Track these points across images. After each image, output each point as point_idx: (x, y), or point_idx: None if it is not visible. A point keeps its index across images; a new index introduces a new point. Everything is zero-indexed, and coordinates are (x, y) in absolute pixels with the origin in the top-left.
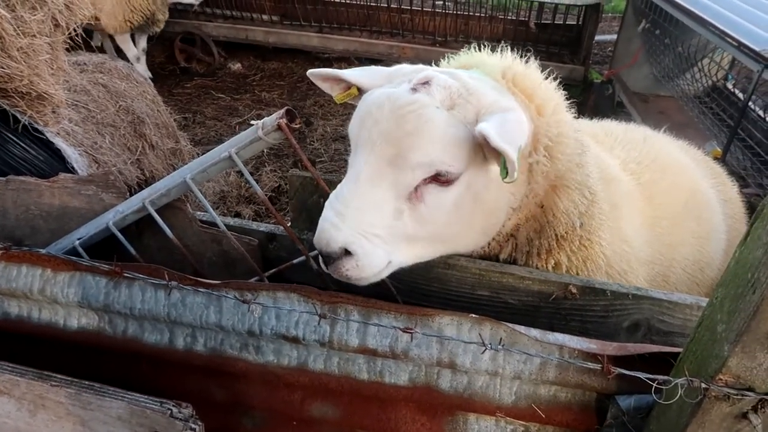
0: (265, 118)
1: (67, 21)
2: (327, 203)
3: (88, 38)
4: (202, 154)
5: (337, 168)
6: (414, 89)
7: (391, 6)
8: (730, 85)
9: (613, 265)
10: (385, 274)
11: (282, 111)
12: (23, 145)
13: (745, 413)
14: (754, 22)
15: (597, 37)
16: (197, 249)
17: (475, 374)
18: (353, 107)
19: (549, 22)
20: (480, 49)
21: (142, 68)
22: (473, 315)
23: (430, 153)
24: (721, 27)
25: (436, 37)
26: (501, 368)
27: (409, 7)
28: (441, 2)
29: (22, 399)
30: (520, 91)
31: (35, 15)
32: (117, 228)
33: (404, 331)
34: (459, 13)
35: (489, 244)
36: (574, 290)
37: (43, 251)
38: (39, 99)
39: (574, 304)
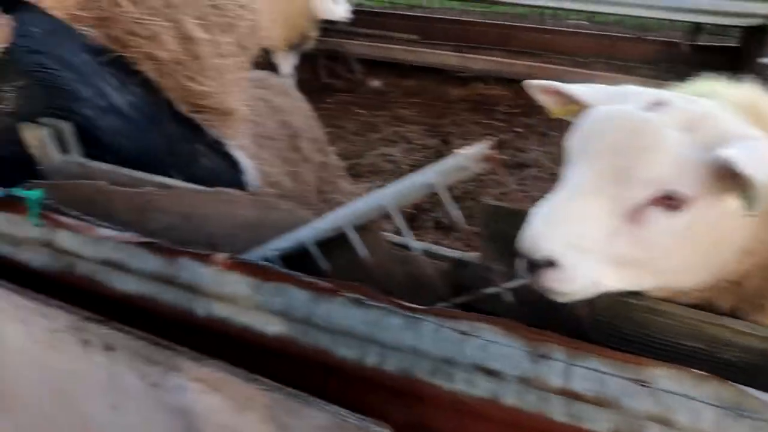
0: (471, 148)
1: (251, 43)
2: (533, 211)
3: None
4: (347, 169)
5: (477, 188)
6: (648, 109)
7: (531, 26)
8: None
9: None
10: (589, 294)
11: (488, 143)
12: (210, 157)
13: None
14: None
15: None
16: (386, 270)
17: None
18: (490, 127)
19: (703, 44)
20: (708, 79)
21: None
22: (694, 371)
23: (661, 171)
24: None
25: (577, 58)
26: None
27: (549, 27)
28: (574, 21)
29: (231, 398)
30: (765, 124)
31: (226, 38)
32: (312, 242)
33: (640, 384)
34: (601, 33)
35: (708, 288)
36: None
37: (257, 261)
38: (227, 115)
39: None
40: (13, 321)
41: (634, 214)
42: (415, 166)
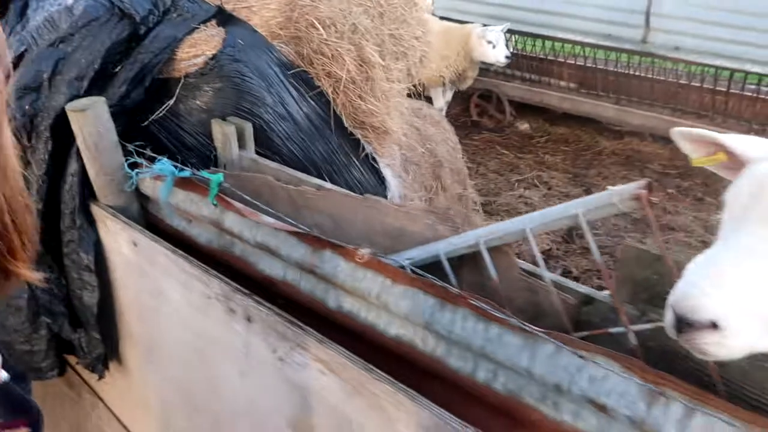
0: (621, 186)
1: (417, 72)
2: (692, 264)
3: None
4: (482, 205)
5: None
6: None
7: (704, 86)
8: None
9: None
10: (741, 356)
11: (643, 182)
12: (362, 171)
13: None
14: None
15: None
16: (509, 294)
17: None
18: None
19: None
20: None
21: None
22: None
23: None
24: None
25: (753, 125)
26: None
27: (724, 89)
28: (755, 85)
29: (346, 382)
30: None
31: (397, 65)
32: (446, 257)
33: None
34: None
35: None
36: None
37: (392, 262)
38: (384, 134)
39: None
40: (177, 282)
41: None
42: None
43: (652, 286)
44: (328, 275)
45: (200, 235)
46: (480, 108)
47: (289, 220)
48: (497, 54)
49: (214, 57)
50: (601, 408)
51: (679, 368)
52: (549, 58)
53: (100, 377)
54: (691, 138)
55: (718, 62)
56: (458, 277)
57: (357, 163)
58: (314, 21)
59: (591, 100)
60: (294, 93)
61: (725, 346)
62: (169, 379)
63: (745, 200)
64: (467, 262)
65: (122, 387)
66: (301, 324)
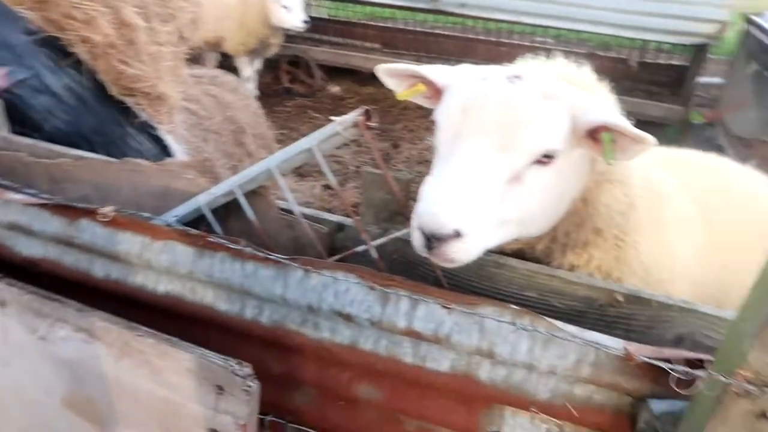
0: (345, 116)
1: (191, 34)
2: (428, 186)
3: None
4: (294, 169)
5: None
6: (511, 82)
7: (491, 39)
8: None
9: (652, 273)
10: (478, 256)
11: (360, 109)
12: (140, 139)
13: (764, 413)
14: None
15: (701, 79)
16: (274, 234)
17: (513, 366)
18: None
19: (650, 61)
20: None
21: (251, 87)
22: (514, 306)
23: (541, 139)
24: None
25: None
26: (537, 361)
27: (508, 41)
28: (541, 38)
29: (111, 345)
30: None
31: (165, 27)
32: (208, 209)
33: (444, 306)
34: (558, 48)
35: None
36: (620, 298)
37: (146, 219)
38: (158, 99)
39: (620, 313)
40: None
41: (516, 177)
42: (361, 168)
43: (388, 206)
44: (88, 244)
45: None
46: (291, 74)
47: (47, 196)
48: (293, 19)
49: None
50: (348, 318)
51: (417, 273)
52: (352, 20)
53: None
54: (392, 73)
55: (497, 16)
56: (227, 226)
57: (133, 132)
58: None
59: (394, 59)
60: (49, 63)
61: (468, 249)
62: None
63: (455, 119)
64: (233, 210)
65: None
66: (58, 297)
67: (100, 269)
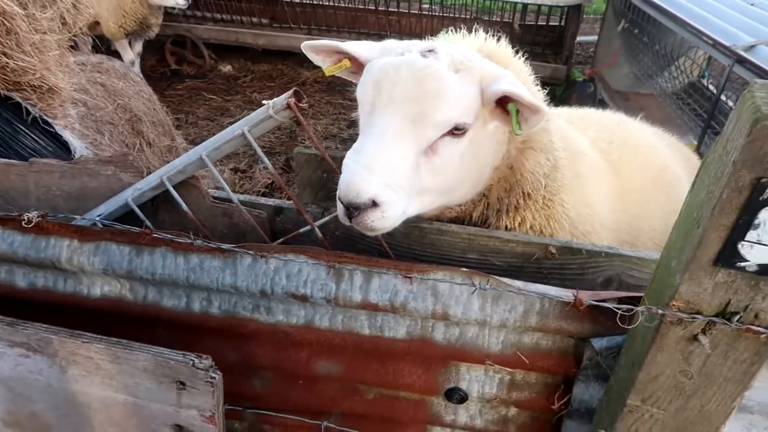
0: (275, 99)
1: (73, 19)
2: (348, 159)
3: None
4: None
5: None
6: (423, 56)
7: (379, 8)
8: (706, 82)
9: (578, 226)
10: (398, 224)
11: (291, 91)
12: (34, 137)
13: (695, 335)
14: (727, 21)
15: (579, 38)
16: (209, 223)
17: (466, 325)
18: (342, 107)
19: (533, 23)
20: (456, 33)
21: (135, 71)
22: (464, 269)
23: (450, 111)
24: (696, 25)
25: (423, 39)
26: (489, 317)
27: (396, 10)
28: (428, 5)
29: (54, 356)
30: (495, 63)
31: (45, 13)
32: (135, 204)
33: (405, 277)
34: (445, 15)
35: (466, 202)
36: (553, 250)
37: (71, 221)
38: (49, 92)
39: (554, 264)
40: None
41: (429, 148)
42: (267, 149)
43: (324, 184)
44: (6, 254)
45: None
46: (177, 55)
47: None
48: None
49: None
50: (303, 298)
51: (361, 247)
52: None
53: None
54: (317, 49)
55: None
56: (157, 220)
57: (25, 130)
58: None
59: (284, 33)
60: None
61: (386, 218)
62: None
63: (370, 94)
64: (162, 204)
65: None
66: None
67: (23, 279)
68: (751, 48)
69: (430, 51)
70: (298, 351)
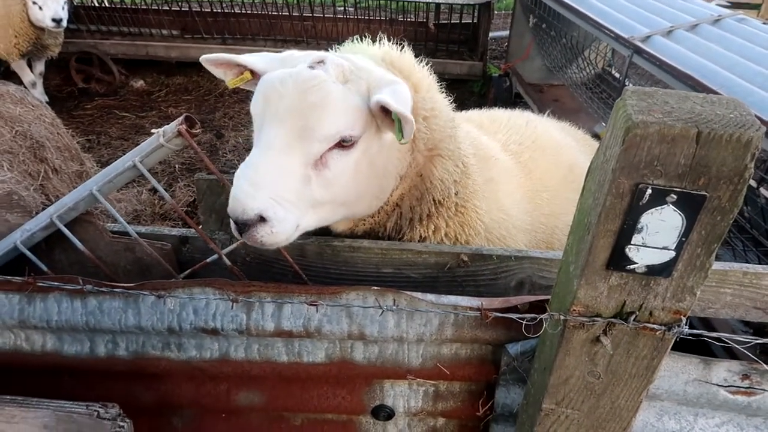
0: (166, 126)
1: None
2: (237, 174)
3: None
4: None
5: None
6: (311, 67)
7: (293, 14)
8: (613, 71)
9: (492, 231)
10: (293, 239)
11: (181, 117)
12: None
13: (598, 337)
14: (625, 14)
15: (493, 33)
16: (111, 260)
17: (384, 342)
18: None
19: (447, 22)
20: (361, 42)
21: (38, 93)
22: (376, 288)
23: (335, 123)
24: (597, 19)
25: (340, 42)
26: (405, 333)
27: (311, 15)
28: (342, 8)
29: None
30: (398, 71)
31: None
32: (25, 247)
33: (310, 305)
34: (360, 17)
35: (378, 213)
36: (465, 258)
37: None
38: None
39: (467, 271)
40: None
41: (318, 161)
42: (187, 165)
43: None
44: None
45: None
46: (84, 73)
47: None
48: (44, 16)
49: None
50: (215, 332)
51: (275, 270)
52: (143, 8)
53: None
54: (216, 63)
55: None
56: (53, 260)
57: None
58: None
59: (197, 44)
60: None
61: (276, 233)
62: None
63: (260, 107)
64: (58, 242)
65: None
66: None
67: None
68: (647, 38)
69: (319, 62)
70: (216, 385)
